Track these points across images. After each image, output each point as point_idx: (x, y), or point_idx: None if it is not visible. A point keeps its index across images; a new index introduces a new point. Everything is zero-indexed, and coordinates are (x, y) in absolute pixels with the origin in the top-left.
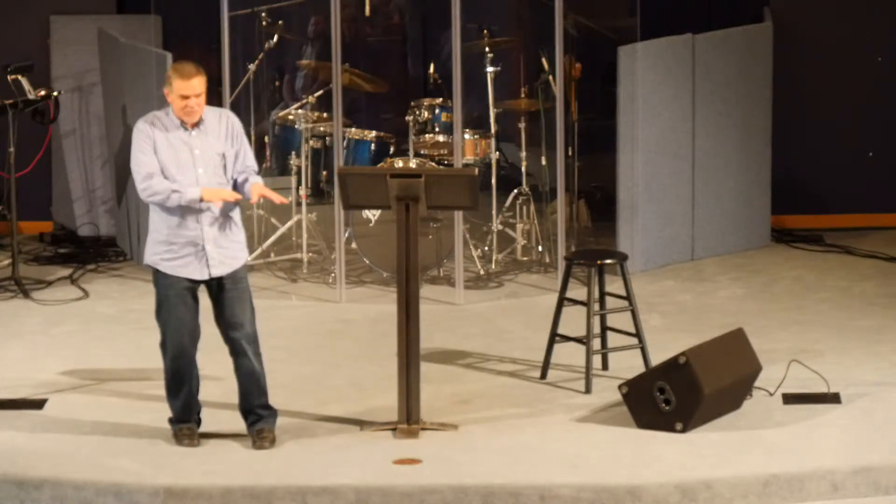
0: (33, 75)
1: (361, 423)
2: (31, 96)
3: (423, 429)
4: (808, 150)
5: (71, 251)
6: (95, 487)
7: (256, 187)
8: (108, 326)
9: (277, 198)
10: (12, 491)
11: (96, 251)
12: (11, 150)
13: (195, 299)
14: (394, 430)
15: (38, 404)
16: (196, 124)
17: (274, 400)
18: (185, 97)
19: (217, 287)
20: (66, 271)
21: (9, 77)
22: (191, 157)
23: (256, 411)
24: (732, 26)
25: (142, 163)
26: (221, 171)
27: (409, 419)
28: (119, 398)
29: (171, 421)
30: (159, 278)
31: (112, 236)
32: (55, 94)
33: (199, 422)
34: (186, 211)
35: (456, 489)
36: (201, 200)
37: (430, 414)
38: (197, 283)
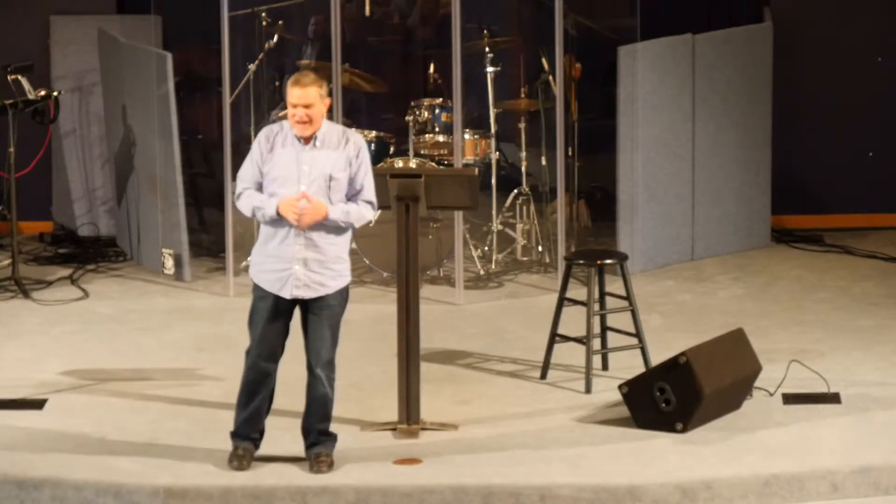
0: (33, 75)
1: (361, 423)
2: (31, 96)
3: (423, 429)
4: (808, 150)
5: (71, 251)
6: (95, 487)
7: (309, 209)
8: (108, 326)
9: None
10: (12, 491)
11: (96, 251)
12: (11, 150)
13: (285, 316)
14: (394, 430)
15: (38, 404)
16: (313, 140)
17: (279, 401)
18: (294, 105)
19: (303, 308)
20: (66, 271)
21: (9, 77)
22: (297, 172)
23: (316, 434)
24: (732, 26)
25: (240, 176)
26: (326, 192)
27: (409, 419)
28: (119, 398)
29: (231, 435)
30: (254, 287)
31: (112, 236)
32: (55, 94)
33: (257, 444)
34: (279, 226)
35: (456, 489)
36: (278, 216)
37: (430, 414)
38: (286, 299)
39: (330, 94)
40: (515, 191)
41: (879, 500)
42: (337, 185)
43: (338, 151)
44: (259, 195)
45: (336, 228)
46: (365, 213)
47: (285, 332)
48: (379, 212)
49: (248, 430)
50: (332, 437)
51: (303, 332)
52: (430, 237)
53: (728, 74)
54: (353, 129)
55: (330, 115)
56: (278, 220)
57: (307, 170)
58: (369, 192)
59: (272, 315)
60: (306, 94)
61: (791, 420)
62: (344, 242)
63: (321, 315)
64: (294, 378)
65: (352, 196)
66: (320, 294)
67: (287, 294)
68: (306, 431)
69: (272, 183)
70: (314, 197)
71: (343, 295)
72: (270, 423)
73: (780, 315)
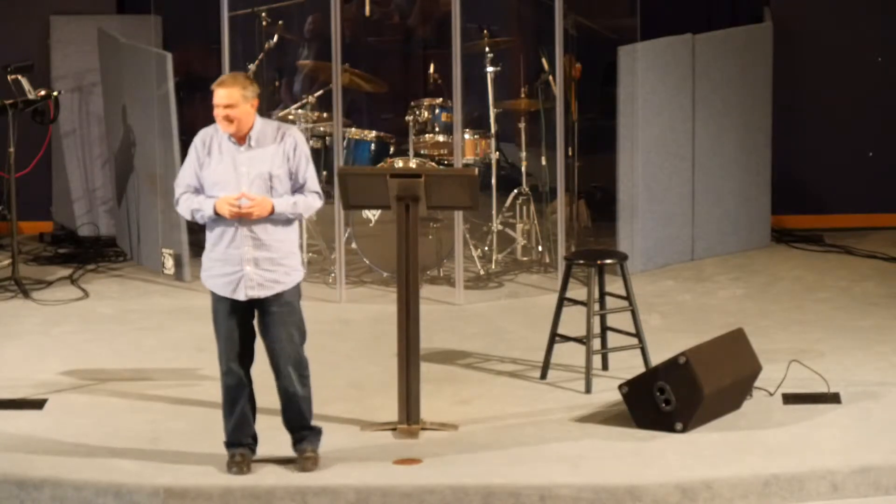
0: (33, 75)
1: (361, 423)
2: (31, 96)
3: (423, 429)
4: (808, 150)
5: (71, 251)
6: (95, 487)
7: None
8: (108, 326)
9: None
10: (12, 491)
11: (96, 251)
12: (11, 150)
13: (246, 315)
14: (394, 430)
15: (38, 404)
16: (247, 140)
17: (275, 401)
18: (216, 105)
19: (260, 308)
20: (66, 271)
21: (9, 77)
22: (235, 174)
23: (298, 431)
24: (732, 26)
25: (178, 182)
26: (267, 191)
27: (409, 419)
28: (119, 398)
29: (225, 445)
30: (211, 293)
31: (112, 236)
32: (55, 94)
33: (253, 449)
34: (226, 229)
35: (456, 489)
36: (216, 214)
37: (430, 414)
38: (242, 301)
39: (259, 96)
40: (515, 191)
41: (879, 500)
42: (278, 182)
43: (274, 148)
44: (197, 197)
45: (284, 222)
46: (313, 203)
47: (251, 332)
48: (379, 212)
49: (240, 437)
50: (316, 432)
51: (261, 332)
52: (430, 237)
53: (728, 74)
54: (292, 125)
55: (330, 114)
56: (221, 222)
57: (245, 171)
58: (313, 183)
59: (231, 316)
60: (228, 95)
61: (791, 420)
62: (293, 237)
63: (282, 313)
64: None
65: (296, 190)
66: (276, 291)
67: (241, 296)
68: (289, 429)
69: (213, 187)
70: (256, 194)
71: (298, 291)
72: (270, 423)
73: (780, 315)
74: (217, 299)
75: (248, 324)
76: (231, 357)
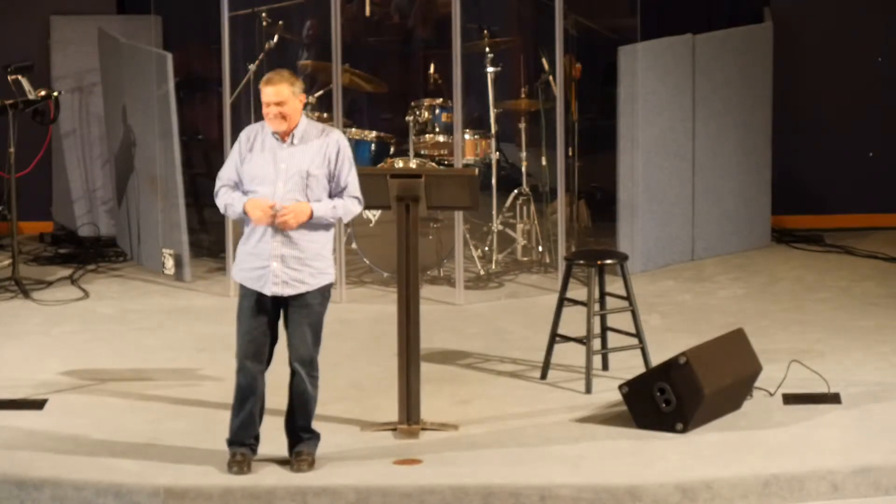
0: (33, 75)
1: (361, 423)
2: (31, 96)
3: (423, 429)
4: (808, 150)
5: (71, 251)
6: (95, 487)
7: (292, 209)
8: (108, 326)
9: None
10: (12, 491)
11: (96, 251)
12: (11, 150)
13: (269, 314)
14: (394, 430)
15: (38, 404)
16: (290, 137)
17: (275, 401)
18: (267, 104)
19: (284, 307)
20: (66, 271)
21: (9, 77)
22: (275, 170)
23: (298, 433)
24: (732, 26)
25: (220, 175)
26: (303, 190)
27: (409, 419)
28: (119, 398)
29: (228, 442)
30: (239, 286)
31: (112, 236)
32: (55, 94)
33: (254, 449)
34: (256, 224)
35: (456, 489)
36: (245, 213)
37: (430, 414)
38: (268, 297)
39: (305, 91)
40: (515, 191)
41: (879, 500)
42: (315, 181)
43: (316, 148)
44: (232, 193)
45: (320, 225)
46: (351, 207)
47: (271, 332)
48: (379, 212)
49: (244, 437)
50: (315, 436)
51: (285, 330)
52: (431, 237)
53: (728, 74)
54: (334, 127)
55: (330, 115)
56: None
57: (284, 167)
58: (354, 188)
59: (255, 312)
60: (278, 92)
61: (791, 420)
62: (325, 240)
63: (301, 313)
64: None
65: (337, 194)
66: (300, 291)
67: (268, 291)
68: (289, 430)
69: (251, 182)
70: (289, 200)
71: (324, 294)
72: (270, 422)
73: (780, 315)
74: (243, 295)
75: (271, 325)
76: (247, 355)
